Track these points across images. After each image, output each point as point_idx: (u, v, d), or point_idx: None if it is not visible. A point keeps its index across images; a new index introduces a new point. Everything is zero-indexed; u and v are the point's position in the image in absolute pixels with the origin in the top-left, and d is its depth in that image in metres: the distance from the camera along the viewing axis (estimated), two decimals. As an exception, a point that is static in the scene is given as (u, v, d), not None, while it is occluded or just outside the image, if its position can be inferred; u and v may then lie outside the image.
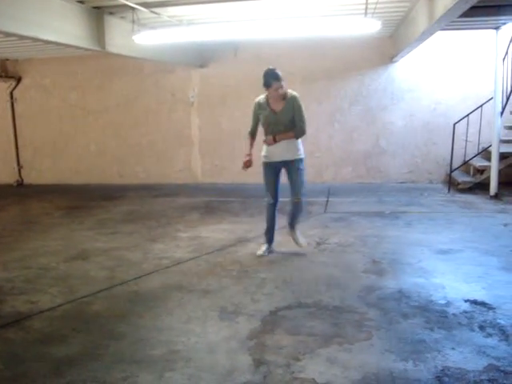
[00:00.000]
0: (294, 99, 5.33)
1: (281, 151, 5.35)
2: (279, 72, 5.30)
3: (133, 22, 6.67)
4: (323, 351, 3.37)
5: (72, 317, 4.13)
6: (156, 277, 5.02)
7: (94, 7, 6.43)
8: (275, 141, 5.30)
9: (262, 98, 5.46)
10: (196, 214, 7.76)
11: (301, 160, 5.45)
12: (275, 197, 5.53)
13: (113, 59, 10.04)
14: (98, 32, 6.53)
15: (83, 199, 9.42)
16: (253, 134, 5.61)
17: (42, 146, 11.62)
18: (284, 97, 5.31)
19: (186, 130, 10.87)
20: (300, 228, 5.78)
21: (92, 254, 5.86)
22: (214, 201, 8.82)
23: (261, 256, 5.51)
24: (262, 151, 5.47)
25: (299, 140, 5.43)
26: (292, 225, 5.64)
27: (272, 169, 5.45)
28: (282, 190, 5.57)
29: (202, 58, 10.40)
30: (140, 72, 10.81)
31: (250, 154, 5.50)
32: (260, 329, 3.74)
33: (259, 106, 5.44)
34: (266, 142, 5.38)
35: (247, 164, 5.46)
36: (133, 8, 6.23)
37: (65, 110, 11.38)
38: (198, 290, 4.59)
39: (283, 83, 5.26)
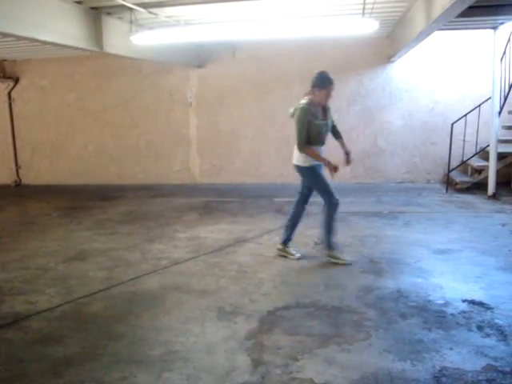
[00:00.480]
0: (329, 108, 5.43)
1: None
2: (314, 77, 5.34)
3: (130, 22, 6.67)
4: (321, 351, 3.37)
5: (70, 317, 4.13)
6: (154, 277, 5.01)
7: (92, 8, 6.43)
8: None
9: (305, 103, 5.18)
10: (194, 215, 7.76)
11: (303, 168, 5.34)
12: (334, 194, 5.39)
13: (111, 60, 10.02)
14: (96, 32, 6.54)
15: (81, 200, 9.41)
16: (309, 143, 5.21)
17: (40, 147, 11.61)
18: (326, 105, 5.35)
19: (184, 130, 10.87)
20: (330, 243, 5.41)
21: (90, 254, 5.86)
22: (213, 201, 8.81)
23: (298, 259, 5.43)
24: (305, 157, 5.24)
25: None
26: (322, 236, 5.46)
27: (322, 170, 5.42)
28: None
29: (199, 58, 10.40)
30: (138, 72, 10.81)
31: (329, 162, 5.28)
32: (258, 329, 3.74)
33: (309, 112, 5.12)
34: (331, 167, 5.24)
35: (336, 168, 5.33)
36: (130, 8, 6.24)
37: (63, 111, 11.37)
38: (196, 291, 4.59)
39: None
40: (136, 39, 6.67)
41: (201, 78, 10.67)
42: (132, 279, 4.95)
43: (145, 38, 6.67)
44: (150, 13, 6.49)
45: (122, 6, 6.16)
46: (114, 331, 3.82)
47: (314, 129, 5.12)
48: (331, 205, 5.28)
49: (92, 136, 11.28)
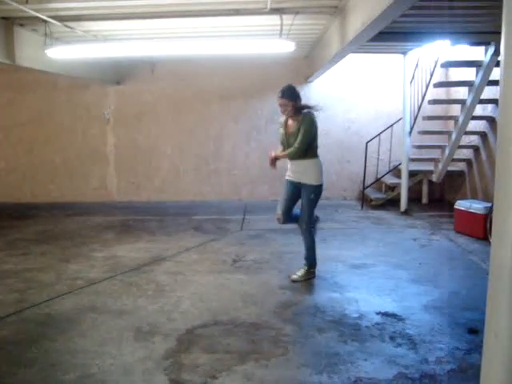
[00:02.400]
0: (303, 121, 5.12)
1: (297, 172, 5.24)
2: (292, 89, 5.24)
3: (45, 35, 6.49)
4: (240, 368, 3.38)
5: (-23, 343, 3.91)
6: (69, 298, 4.85)
7: (3, 18, 6.19)
8: (276, 159, 5.30)
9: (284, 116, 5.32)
10: (111, 233, 7.58)
11: (314, 186, 5.17)
12: (284, 212, 5.30)
13: (24, 73, 9.66)
14: (7, 44, 6.28)
15: (-9, 219, 8.98)
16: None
17: None
18: (297, 118, 5.15)
19: (101, 147, 10.64)
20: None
21: (1, 276, 5.57)
22: (130, 219, 8.65)
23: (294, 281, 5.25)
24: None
25: (319, 164, 5.24)
26: (305, 260, 5.38)
27: (289, 185, 5.32)
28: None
29: (118, 74, 10.25)
30: (53, 87, 10.49)
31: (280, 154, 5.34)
32: (176, 348, 3.71)
33: (280, 123, 5.39)
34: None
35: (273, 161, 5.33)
36: (45, 21, 6.06)
37: (-28, 126, 10.84)
38: (113, 311, 4.48)
39: (288, 103, 5.12)
40: (51, 53, 6.48)
41: (119, 94, 10.50)
42: (46, 301, 4.76)
43: (60, 52, 6.50)
44: (66, 26, 6.34)
45: (36, 18, 5.96)
46: (25, 357, 3.65)
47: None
48: (308, 225, 5.26)
49: (4, 152, 10.79)
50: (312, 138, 5.14)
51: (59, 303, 4.72)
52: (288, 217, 5.35)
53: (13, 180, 10.78)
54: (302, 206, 5.23)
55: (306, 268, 5.31)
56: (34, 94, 10.55)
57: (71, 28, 6.46)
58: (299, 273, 5.31)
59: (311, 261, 5.33)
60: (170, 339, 3.85)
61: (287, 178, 5.35)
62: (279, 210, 5.32)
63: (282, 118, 5.36)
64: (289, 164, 5.32)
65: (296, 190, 5.26)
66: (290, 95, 5.13)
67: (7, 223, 8.51)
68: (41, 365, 3.52)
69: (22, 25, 6.50)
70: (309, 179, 5.15)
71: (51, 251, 6.58)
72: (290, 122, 5.25)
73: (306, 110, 5.18)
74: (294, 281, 5.22)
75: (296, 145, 5.08)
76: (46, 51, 6.44)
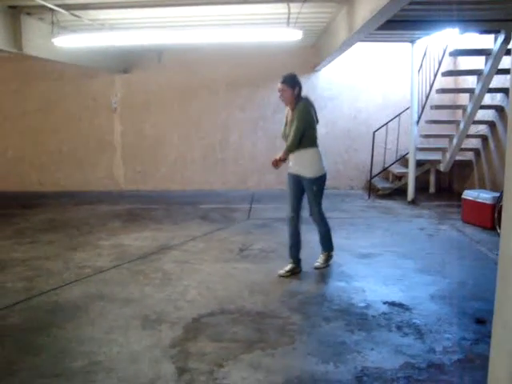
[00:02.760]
0: (299, 109, 4.97)
1: (295, 164, 5.08)
2: (293, 76, 5.03)
3: (52, 23, 6.48)
4: (246, 357, 3.39)
5: (-14, 331, 3.94)
6: (77, 286, 4.87)
7: (10, 6, 6.18)
8: (280, 161, 5.05)
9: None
10: (118, 222, 7.61)
11: (313, 179, 5.01)
12: (294, 209, 5.12)
13: (31, 62, 9.67)
14: (15, 33, 6.28)
15: (0, 207, 9.02)
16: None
17: (-45, 152, 11.03)
18: (293, 107, 5.01)
19: (108, 136, 10.65)
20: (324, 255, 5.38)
21: (9, 264, 5.61)
22: (137, 208, 8.67)
23: (281, 276, 5.05)
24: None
25: (316, 154, 5.06)
26: (321, 244, 5.37)
27: (290, 179, 5.14)
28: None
29: (125, 63, 10.24)
30: (61, 76, 10.49)
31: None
32: (183, 336, 3.72)
33: (285, 116, 5.24)
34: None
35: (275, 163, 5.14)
36: (52, 9, 6.04)
37: (-21, 115, 10.87)
38: (120, 299, 4.50)
39: (286, 90, 4.95)
40: (58, 42, 6.48)
41: (126, 83, 10.50)
42: (54, 289, 4.79)
43: (67, 40, 6.50)
44: (73, 15, 6.33)
45: (43, 7, 5.95)
46: (34, 344, 3.68)
47: None
48: (321, 214, 5.18)
49: (11, 141, 10.82)
50: (306, 126, 4.94)
51: (67, 291, 4.75)
52: (298, 215, 5.16)
53: (20, 169, 10.82)
54: (309, 200, 5.11)
55: (326, 253, 5.33)
56: (41, 82, 10.56)
57: (78, 17, 6.45)
58: (320, 260, 5.32)
59: (329, 245, 5.34)
60: (177, 327, 3.87)
61: (289, 170, 5.19)
62: (290, 212, 5.14)
63: (286, 110, 5.21)
64: (290, 155, 5.13)
65: (298, 183, 5.10)
66: (290, 82, 4.97)
67: (15, 212, 8.55)
68: (49, 352, 3.54)
69: (29, 13, 6.49)
70: (308, 172, 4.99)
71: (59, 240, 6.61)
72: (290, 113, 5.10)
73: (302, 99, 5.02)
74: (317, 268, 5.25)
75: (290, 137, 4.95)
76: (52, 40, 6.44)
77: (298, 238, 5.19)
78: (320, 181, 5.06)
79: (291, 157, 5.06)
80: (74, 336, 3.80)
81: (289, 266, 5.13)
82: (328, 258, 5.34)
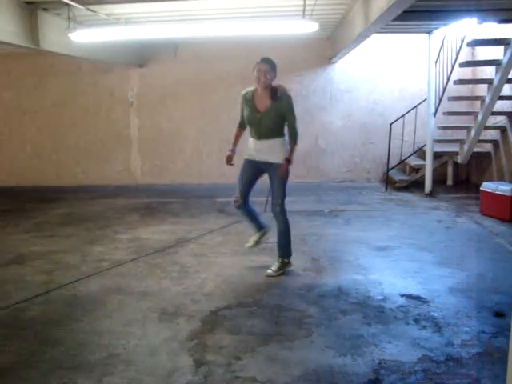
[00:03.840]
0: (287, 99, 4.72)
1: (262, 151, 4.81)
2: (274, 62, 4.77)
3: (68, 19, 6.51)
4: (264, 349, 3.39)
5: (5, 324, 3.98)
6: (95, 280, 4.91)
7: (27, 2, 6.23)
8: (290, 162, 4.76)
9: (250, 90, 4.85)
10: (136, 216, 7.65)
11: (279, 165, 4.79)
12: (243, 197, 4.98)
13: (48, 57, 9.76)
14: (32, 28, 6.33)
15: (19, 202, 9.12)
16: (241, 126, 5.04)
17: (-26, 147, 11.17)
18: (272, 93, 4.72)
19: (124, 130, 10.70)
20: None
21: (28, 258, 5.68)
22: (154, 202, 8.72)
23: (251, 247, 5.16)
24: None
25: (285, 143, 4.80)
26: (278, 246, 4.97)
27: (250, 166, 4.92)
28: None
29: (141, 57, 10.26)
30: (77, 71, 10.56)
31: (231, 150, 5.04)
32: (200, 329, 3.73)
33: (244, 99, 4.85)
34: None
35: (228, 159, 5.01)
36: (68, 5, 6.08)
37: (-2, 110, 10.99)
38: (137, 292, 4.53)
39: (269, 72, 4.68)
40: (74, 36, 6.52)
41: (142, 77, 10.53)
42: (72, 282, 4.84)
43: (83, 35, 6.54)
44: (89, 10, 6.35)
45: (59, 2, 5.98)
46: (53, 336, 3.71)
47: (245, 116, 4.88)
48: (284, 208, 4.90)
49: (30, 136, 10.93)
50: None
51: (85, 284, 4.79)
52: (246, 201, 5.02)
53: (38, 163, 10.93)
54: (275, 190, 4.85)
55: (281, 260, 4.91)
56: (58, 77, 10.64)
57: (94, 11, 6.47)
58: (274, 267, 4.90)
59: (287, 249, 4.93)
60: (195, 320, 3.88)
61: (248, 157, 4.91)
62: (238, 193, 4.97)
63: (247, 92, 4.87)
64: (251, 142, 4.90)
65: (257, 172, 4.92)
66: (273, 66, 4.74)
67: (34, 206, 8.64)
68: (68, 344, 3.58)
69: (45, 9, 6.54)
70: (277, 158, 4.75)
71: (76, 233, 6.67)
72: (261, 98, 4.75)
73: (282, 88, 4.78)
74: (268, 276, 4.83)
75: (293, 130, 4.75)
76: (69, 35, 6.48)
77: (252, 214, 5.15)
78: (288, 168, 4.78)
79: (260, 144, 4.81)
80: (92, 329, 3.83)
81: (256, 235, 5.17)
82: (283, 265, 4.90)
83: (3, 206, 8.70)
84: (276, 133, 4.76)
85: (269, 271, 4.90)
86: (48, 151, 10.93)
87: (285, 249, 4.93)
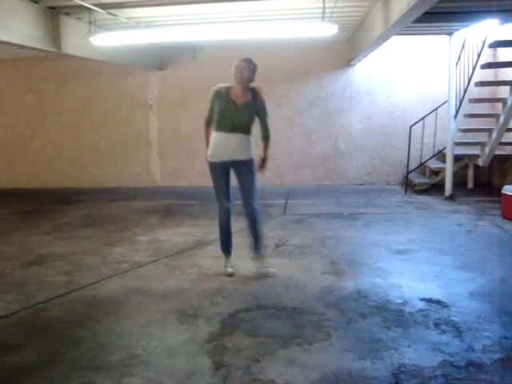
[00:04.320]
0: (262, 99, 4.87)
1: (232, 148, 4.81)
2: (253, 62, 4.93)
3: (89, 23, 6.59)
4: (282, 352, 3.38)
5: (28, 324, 4.03)
6: (114, 281, 4.95)
7: (49, 7, 6.31)
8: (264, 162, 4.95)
9: (223, 86, 4.92)
10: (155, 218, 7.70)
11: (253, 161, 4.94)
12: (229, 200, 5.05)
13: (70, 61, 9.87)
14: (54, 33, 6.42)
15: (40, 203, 9.23)
16: (208, 124, 5.08)
17: (-4, 150, 11.33)
18: (250, 93, 4.85)
19: (144, 132, 10.78)
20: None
21: (49, 259, 5.74)
22: (173, 204, 8.76)
23: (231, 275, 4.98)
24: (209, 149, 4.96)
25: (251, 139, 4.88)
26: (256, 246, 5.06)
27: (221, 169, 4.94)
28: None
29: (160, 60, 10.33)
30: (98, 74, 10.66)
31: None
32: (219, 331, 3.74)
33: (217, 94, 4.89)
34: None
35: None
36: (89, 9, 6.15)
37: (20, 113, 11.12)
38: (157, 294, 4.55)
39: (246, 69, 4.81)
40: (95, 40, 6.59)
41: (161, 80, 10.60)
42: (92, 283, 4.88)
43: (104, 39, 6.60)
44: (110, 14, 6.42)
45: (81, 7, 6.07)
46: (74, 337, 3.75)
47: (217, 109, 4.88)
48: (256, 204, 4.98)
49: (51, 139, 11.07)
50: None
51: (105, 286, 4.83)
52: (231, 201, 5.07)
53: (59, 166, 11.06)
54: (247, 185, 4.93)
55: (259, 255, 5.06)
56: (79, 81, 10.77)
57: (114, 15, 6.54)
58: (264, 263, 5.09)
59: (262, 244, 5.06)
60: (214, 322, 3.89)
61: (216, 160, 4.91)
62: (227, 202, 5.07)
63: (220, 87, 4.92)
64: (218, 138, 4.88)
65: (228, 172, 4.96)
66: (252, 66, 4.89)
67: (54, 208, 8.74)
68: (88, 345, 3.61)
69: (67, 13, 6.63)
70: (247, 154, 4.83)
71: (96, 235, 6.73)
72: (238, 94, 4.82)
73: (259, 89, 4.91)
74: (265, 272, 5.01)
75: (268, 127, 4.91)
76: (90, 39, 6.54)
77: (231, 228, 5.17)
78: (254, 164, 4.92)
79: (229, 141, 4.80)
80: (112, 329, 3.86)
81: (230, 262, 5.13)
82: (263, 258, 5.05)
83: (24, 208, 8.81)
84: (247, 129, 4.83)
85: (265, 270, 5.03)
86: (68, 154, 11.05)
87: (261, 243, 5.06)
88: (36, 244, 6.40)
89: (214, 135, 4.90)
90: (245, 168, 4.89)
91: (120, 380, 3.11)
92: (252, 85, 4.90)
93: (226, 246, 5.18)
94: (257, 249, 5.08)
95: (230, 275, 4.97)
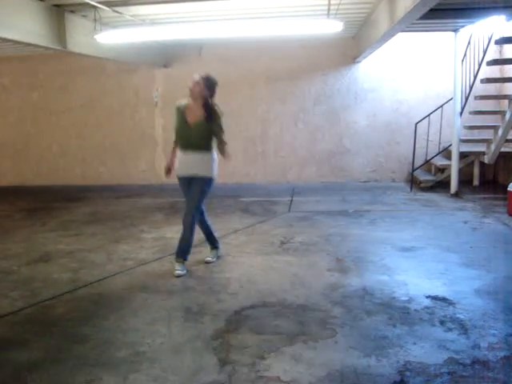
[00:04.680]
0: (217, 115, 4.93)
1: (192, 165, 4.94)
2: (213, 79, 5.02)
3: (95, 20, 6.59)
4: (288, 349, 3.39)
5: (34, 321, 4.05)
6: (120, 278, 4.97)
7: (54, 5, 6.32)
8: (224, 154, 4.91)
9: (184, 102, 5.05)
10: (160, 215, 7.71)
11: (210, 180, 5.00)
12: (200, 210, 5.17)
13: (75, 59, 9.89)
14: (59, 30, 6.43)
15: (45, 201, 9.25)
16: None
17: (2, 147, 11.34)
18: (205, 109, 4.90)
19: (149, 130, 10.79)
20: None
21: (55, 256, 5.77)
22: (179, 201, 8.70)
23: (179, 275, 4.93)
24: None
25: (216, 158, 5.00)
26: (184, 253, 5.08)
27: (185, 182, 5.02)
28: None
29: (165, 57, 10.34)
30: (103, 72, 10.68)
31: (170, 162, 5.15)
32: (225, 328, 3.75)
33: (178, 110, 5.04)
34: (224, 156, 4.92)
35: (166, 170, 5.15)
36: (94, 7, 6.16)
37: (26, 110, 11.15)
38: (162, 291, 4.56)
39: (203, 86, 4.90)
40: (100, 38, 6.60)
41: (166, 77, 10.60)
42: (98, 280, 4.90)
43: (109, 36, 6.61)
44: (115, 11, 6.43)
45: (86, 4, 6.08)
46: (80, 334, 3.77)
47: (175, 127, 5.03)
48: (194, 218, 5.04)
49: (56, 136, 11.09)
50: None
51: (111, 283, 4.85)
52: (203, 217, 5.25)
53: (64, 163, 11.08)
54: (191, 200, 4.98)
55: (180, 260, 5.04)
56: (84, 78, 10.78)
57: (120, 13, 6.54)
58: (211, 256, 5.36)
59: (184, 251, 5.04)
60: (219, 320, 3.90)
61: (178, 174, 5.01)
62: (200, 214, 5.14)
63: (180, 104, 5.05)
64: (180, 156, 4.99)
65: (189, 185, 5.01)
66: (211, 83, 4.98)
67: (59, 205, 8.77)
68: (94, 341, 3.62)
69: (72, 11, 6.63)
70: (206, 171, 4.93)
71: (102, 232, 6.75)
72: (193, 111, 4.93)
73: (214, 104, 4.99)
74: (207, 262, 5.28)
75: (221, 136, 4.89)
76: (95, 36, 6.56)
77: (209, 227, 5.35)
78: (212, 184, 5.04)
79: (190, 158, 4.93)
80: (117, 326, 3.87)
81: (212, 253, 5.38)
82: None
83: (30, 205, 8.84)
84: (205, 146, 4.91)
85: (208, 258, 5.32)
86: (74, 151, 11.07)
87: (183, 250, 5.06)
88: (42, 241, 6.42)
89: (178, 151, 5.06)
90: (199, 183, 4.95)
91: (126, 377, 3.12)
92: (210, 101, 4.96)
93: (213, 240, 5.42)
94: (182, 253, 5.09)
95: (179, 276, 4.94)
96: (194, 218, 5.03)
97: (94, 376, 3.14)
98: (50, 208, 8.55)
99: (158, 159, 10.83)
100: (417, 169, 9.50)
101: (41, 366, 3.30)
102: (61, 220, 7.59)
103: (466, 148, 8.85)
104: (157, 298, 4.42)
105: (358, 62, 9.97)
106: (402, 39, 9.22)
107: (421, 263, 5.18)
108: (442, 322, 3.76)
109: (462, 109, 8.36)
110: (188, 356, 3.36)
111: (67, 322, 3.99)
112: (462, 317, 3.85)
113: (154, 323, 3.91)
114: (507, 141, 8.24)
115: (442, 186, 9.05)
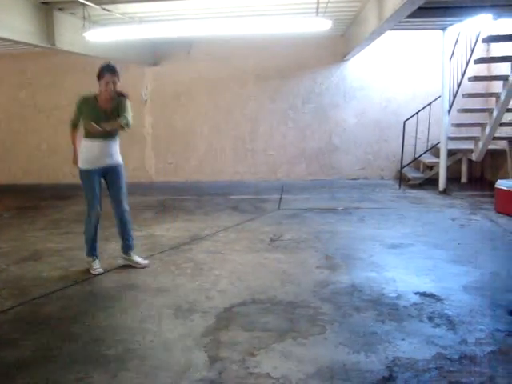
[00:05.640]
0: (124, 99, 5.02)
1: (109, 154, 4.98)
2: (117, 67, 5.01)
3: (83, 18, 6.57)
4: (278, 346, 3.41)
5: (24, 319, 4.05)
6: (110, 276, 4.97)
7: (43, 2, 6.29)
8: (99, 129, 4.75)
9: (91, 94, 5.03)
10: (150, 213, 7.71)
11: (122, 166, 5.15)
12: (101, 206, 5.18)
13: (64, 56, 9.83)
14: (47, 28, 6.40)
15: (35, 199, 9.21)
16: (75, 125, 5.11)
17: (-10, 146, 11.28)
18: (116, 97, 4.98)
19: (138, 128, 10.73)
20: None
21: (44, 254, 5.75)
22: (168, 199, 8.77)
23: (100, 273, 5.02)
24: (81, 156, 4.97)
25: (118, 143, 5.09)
26: (128, 246, 5.25)
27: (97, 176, 5.00)
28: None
29: (154, 55, 10.32)
30: (92, 70, 10.47)
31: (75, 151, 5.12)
32: (215, 326, 3.76)
33: (86, 102, 4.99)
34: (91, 131, 4.79)
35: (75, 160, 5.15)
36: (83, 4, 6.14)
37: (14, 109, 11.08)
38: (152, 289, 4.57)
39: (117, 81, 4.95)
40: (89, 36, 6.57)
41: (156, 75, 10.58)
42: (88, 279, 4.90)
43: (98, 34, 6.59)
44: (104, 9, 6.41)
45: (75, 2, 6.05)
46: (70, 332, 3.77)
47: (86, 116, 4.93)
48: (126, 205, 5.21)
49: (45, 134, 11.03)
50: None
51: (100, 281, 4.85)
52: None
53: (54, 161, 11.02)
54: (121, 192, 5.11)
55: (129, 255, 5.23)
56: (73, 76, 10.70)
57: (108, 10, 6.52)
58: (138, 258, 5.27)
59: (132, 242, 5.24)
60: (209, 317, 3.91)
61: (90, 167, 4.95)
62: (100, 209, 5.17)
63: (88, 96, 5.05)
64: (92, 147, 4.92)
65: (100, 179, 5.05)
66: (119, 72, 5.01)
67: (49, 203, 8.74)
68: (84, 340, 3.63)
69: (61, 9, 6.61)
70: (118, 159, 5.08)
71: (92, 231, 6.72)
72: (106, 100, 4.96)
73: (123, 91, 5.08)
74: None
75: (129, 117, 4.89)
76: (84, 34, 6.53)
77: (97, 231, 5.27)
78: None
79: (106, 147, 4.95)
80: (108, 324, 3.88)
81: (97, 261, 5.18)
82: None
83: (19, 204, 8.80)
84: (116, 134, 5.03)
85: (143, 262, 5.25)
86: (63, 149, 10.97)
87: (133, 243, 5.27)
88: (31, 240, 6.40)
89: (86, 142, 4.95)
90: (116, 172, 5.06)
91: (116, 374, 3.13)
92: (119, 89, 5.02)
93: (95, 249, 5.23)
94: (130, 248, 5.25)
95: (97, 274, 5.01)
96: (127, 206, 5.25)
97: (84, 374, 3.15)
98: (39, 206, 8.52)
99: (147, 157, 10.82)
100: (405, 166, 9.56)
101: (31, 364, 3.30)
102: (50, 218, 7.56)
103: (454, 145, 8.91)
104: (147, 295, 4.43)
105: (346, 60, 10.00)
106: (391, 37, 9.25)
107: (409, 260, 5.22)
108: (430, 318, 3.79)
109: (450, 107, 8.42)
110: (178, 353, 3.38)
111: (57, 320, 3.99)
112: (449, 313, 3.89)
113: (144, 321, 3.91)
114: (494, 138, 8.31)
115: (430, 183, 9.11)
